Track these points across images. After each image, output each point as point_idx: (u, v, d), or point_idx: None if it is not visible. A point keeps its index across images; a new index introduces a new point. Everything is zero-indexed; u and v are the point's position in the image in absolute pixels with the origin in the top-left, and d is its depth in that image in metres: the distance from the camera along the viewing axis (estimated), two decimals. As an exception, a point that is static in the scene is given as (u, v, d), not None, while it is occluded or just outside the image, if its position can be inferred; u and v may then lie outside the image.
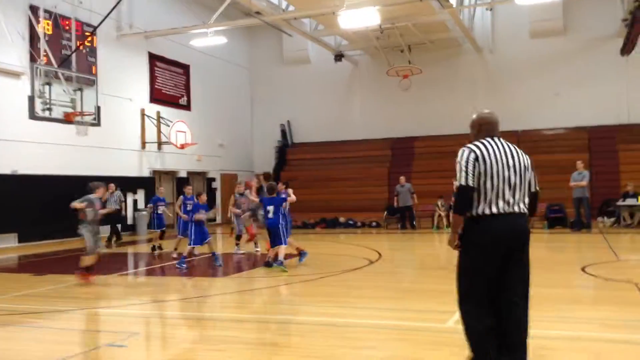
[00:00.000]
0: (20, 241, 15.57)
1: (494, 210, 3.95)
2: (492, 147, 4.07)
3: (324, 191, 23.39)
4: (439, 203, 18.62)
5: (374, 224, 20.60)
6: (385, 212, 20.28)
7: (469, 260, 4.04)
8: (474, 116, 4.31)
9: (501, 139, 4.18)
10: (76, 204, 8.95)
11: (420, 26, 20.70)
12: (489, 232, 3.95)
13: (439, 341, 5.40)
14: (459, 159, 4.02)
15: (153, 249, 13.46)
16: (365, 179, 23.22)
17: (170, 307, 7.82)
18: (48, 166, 16.53)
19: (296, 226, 21.63)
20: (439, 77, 23.91)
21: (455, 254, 4.17)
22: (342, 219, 21.28)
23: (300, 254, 10.86)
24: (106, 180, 17.74)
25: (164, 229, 13.77)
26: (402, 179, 19.11)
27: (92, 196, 9.21)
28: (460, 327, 4.20)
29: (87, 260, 9.11)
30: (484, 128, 4.21)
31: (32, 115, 12.08)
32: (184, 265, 10.55)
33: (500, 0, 20.90)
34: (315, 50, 25.57)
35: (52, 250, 14.42)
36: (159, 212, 13.66)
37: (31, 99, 12.06)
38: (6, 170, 15.52)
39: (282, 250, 10.04)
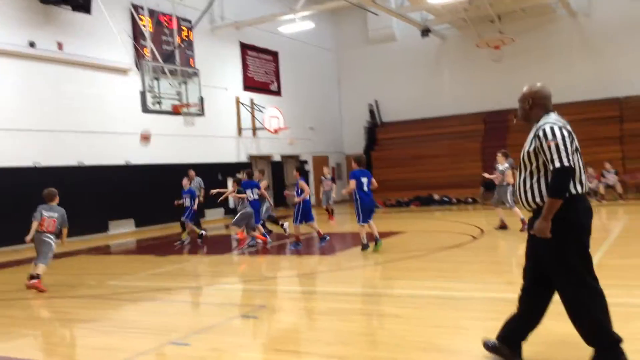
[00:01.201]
0: (137, 226, 16.85)
1: (585, 188, 3.81)
2: (566, 123, 3.85)
3: (416, 169, 23.41)
4: (538, 176, 18.12)
5: (469, 200, 20.41)
6: (482, 188, 20.01)
7: (577, 240, 3.75)
8: (525, 89, 4.01)
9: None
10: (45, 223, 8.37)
11: (511, -6, 20.05)
12: (589, 210, 3.80)
13: (561, 312, 5.46)
14: (550, 137, 3.69)
15: (200, 236, 13.17)
16: (458, 154, 22.95)
17: (287, 283, 8.29)
18: (157, 156, 17.72)
19: (390, 205, 21.91)
20: (532, 46, 23.08)
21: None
22: (436, 196, 21.23)
23: (296, 242, 10.93)
24: (207, 167, 18.95)
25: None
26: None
27: (57, 207, 8.55)
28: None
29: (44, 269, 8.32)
30: (540, 102, 3.92)
31: (145, 109, 12.97)
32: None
33: (597, -40, 19.78)
34: (401, 27, 25.42)
35: (165, 234, 15.51)
36: (186, 204, 13.23)
37: (142, 94, 12.94)
38: (120, 161, 16.80)
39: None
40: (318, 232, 11.17)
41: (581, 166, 3.80)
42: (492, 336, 4.84)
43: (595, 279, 3.82)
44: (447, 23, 24.06)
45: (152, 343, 5.23)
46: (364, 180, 9.77)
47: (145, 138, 11.38)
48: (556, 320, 4.21)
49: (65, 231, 8.62)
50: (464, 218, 15.36)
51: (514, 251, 10.07)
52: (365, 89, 26.96)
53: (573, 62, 22.87)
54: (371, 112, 26.87)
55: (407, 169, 23.75)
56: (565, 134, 3.72)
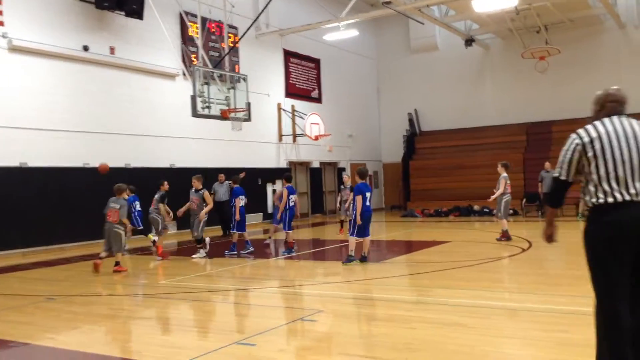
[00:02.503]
0: (179, 228, 17.01)
1: (615, 198, 3.51)
2: (611, 126, 3.60)
3: (455, 179, 23.19)
4: (585, 190, 17.76)
5: (510, 211, 20.02)
6: (524, 200, 19.71)
7: (591, 254, 3.64)
8: (599, 92, 3.88)
9: (626, 118, 3.70)
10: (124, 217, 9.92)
11: (559, 4, 19.78)
12: (609, 223, 3.53)
13: (631, 327, 5.32)
14: (565, 146, 3.70)
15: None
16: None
17: (339, 289, 8.24)
18: (200, 160, 17.96)
19: (429, 214, 21.73)
20: (579, 57, 22.72)
21: None
22: (476, 207, 20.97)
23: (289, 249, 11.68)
24: (248, 172, 19.12)
25: (140, 227, 13.03)
26: (548, 164, 18.43)
27: (122, 200, 9.95)
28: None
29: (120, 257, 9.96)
30: (608, 105, 3.75)
31: (195, 114, 13.17)
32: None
33: (649, -29, 19.38)
34: (444, 37, 25.32)
35: (210, 236, 15.64)
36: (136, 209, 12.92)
37: (193, 98, 13.14)
38: (166, 164, 17.08)
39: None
40: (290, 243, 11.80)
41: (617, 177, 3.52)
42: (566, 348, 4.75)
43: (619, 302, 3.56)
44: (491, 33, 23.87)
45: (218, 342, 5.28)
46: (368, 195, 9.66)
47: (103, 169, 11.97)
48: None
49: (125, 221, 9.84)
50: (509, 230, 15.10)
51: (567, 264, 9.87)
52: (405, 98, 26.89)
53: (621, 75, 22.34)
54: (410, 121, 26.74)
55: (446, 178, 23.55)
56: (574, 144, 3.62)
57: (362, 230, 9.64)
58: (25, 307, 7.42)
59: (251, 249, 12.06)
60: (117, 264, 9.80)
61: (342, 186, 15.67)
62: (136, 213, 12.80)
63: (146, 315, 6.78)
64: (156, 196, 12.14)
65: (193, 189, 11.58)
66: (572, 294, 6.91)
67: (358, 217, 9.50)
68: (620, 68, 22.38)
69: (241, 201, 11.94)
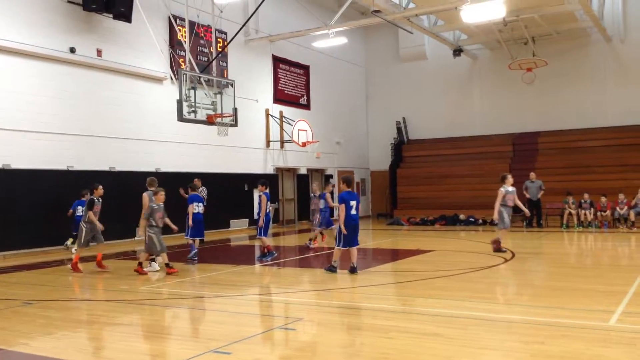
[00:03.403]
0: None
1: None
2: None
3: (442, 188, 23.29)
4: (570, 200, 17.90)
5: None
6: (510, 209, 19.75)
7: None
8: None
9: None
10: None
11: (547, 17, 19.97)
12: None
13: (608, 339, 5.34)
14: None
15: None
16: (485, 175, 22.73)
17: (320, 297, 8.21)
18: (186, 164, 17.86)
19: (415, 223, 21.76)
20: (565, 69, 22.95)
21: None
22: (462, 216, 21.02)
23: (268, 253, 11.68)
24: (235, 177, 19.08)
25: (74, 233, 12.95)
26: (533, 175, 18.62)
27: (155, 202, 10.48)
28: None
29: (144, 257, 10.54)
30: None
31: (181, 118, 13.11)
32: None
33: (635, -14, 19.64)
34: (432, 46, 25.45)
35: (182, 243, 15.53)
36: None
37: (179, 102, 13.08)
38: (151, 168, 16.94)
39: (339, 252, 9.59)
40: (268, 247, 11.76)
41: None
42: (542, 361, 4.72)
43: None
44: (479, 43, 24.04)
45: (194, 350, 5.22)
46: (353, 203, 9.34)
47: None
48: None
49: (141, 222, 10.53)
50: (490, 239, 15.14)
51: (548, 275, 9.91)
52: (393, 106, 26.98)
53: (606, 87, 22.65)
54: (398, 129, 26.82)
55: (432, 187, 23.65)
56: None
57: (348, 240, 9.39)
58: (1, 311, 7.30)
59: (195, 257, 11.57)
60: (168, 265, 10.23)
61: (312, 194, 14.90)
62: (78, 218, 13.03)
63: (123, 321, 6.70)
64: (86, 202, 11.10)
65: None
66: (551, 306, 6.93)
67: (342, 227, 9.22)
68: (606, 81, 22.65)
69: (197, 207, 11.88)
